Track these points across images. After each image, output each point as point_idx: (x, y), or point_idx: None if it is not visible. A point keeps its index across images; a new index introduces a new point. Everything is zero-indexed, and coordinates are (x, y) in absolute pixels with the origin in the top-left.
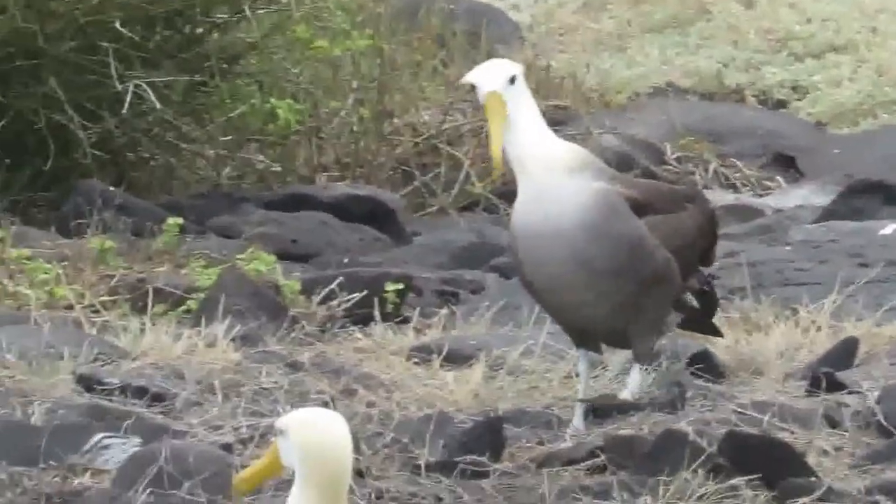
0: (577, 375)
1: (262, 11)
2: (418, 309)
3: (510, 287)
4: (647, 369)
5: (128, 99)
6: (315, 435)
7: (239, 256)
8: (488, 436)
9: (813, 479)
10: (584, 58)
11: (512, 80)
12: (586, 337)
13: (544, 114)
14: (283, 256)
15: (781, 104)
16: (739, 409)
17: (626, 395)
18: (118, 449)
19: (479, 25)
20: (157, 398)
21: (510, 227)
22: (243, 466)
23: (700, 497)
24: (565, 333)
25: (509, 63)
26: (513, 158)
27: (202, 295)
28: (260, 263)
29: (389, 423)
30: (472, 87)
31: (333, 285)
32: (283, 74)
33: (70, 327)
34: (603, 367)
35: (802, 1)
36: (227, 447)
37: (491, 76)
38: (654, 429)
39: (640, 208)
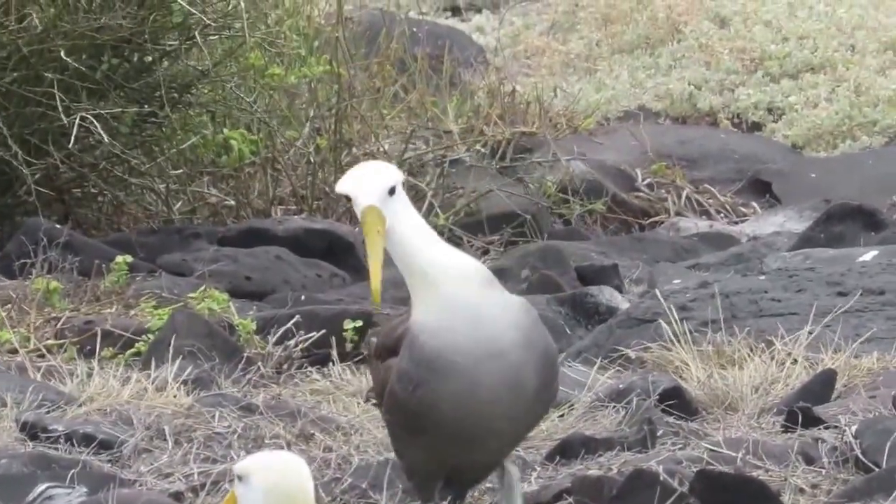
0: None
1: (213, 38)
2: None
3: None
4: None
5: (74, 132)
6: (278, 478)
7: (191, 295)
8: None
9: None
10: (551, 81)
11: (391, 191)
12: (445, 481)
13: (510, 142)
14: (237, 294)
15: (756, 127)
16: (712, 447)
17: None
18: (63, 500)
19: (442, 49)
20: (105, 445)
21: (421, 352)
22: None
23: None
24: (423, 483)
25: (387, 169)
26: (416, 274)
27: (152, 336)
28: (213, 302)
29: (348, 467)
30: (348, 198)
31: (290, 324)
32: (236, 104)
33: (14, 373)
34: (570, 406)
35: (778, 19)
36: (178, 496)
37: (368, 187)
38: (624, 469)
39: None
